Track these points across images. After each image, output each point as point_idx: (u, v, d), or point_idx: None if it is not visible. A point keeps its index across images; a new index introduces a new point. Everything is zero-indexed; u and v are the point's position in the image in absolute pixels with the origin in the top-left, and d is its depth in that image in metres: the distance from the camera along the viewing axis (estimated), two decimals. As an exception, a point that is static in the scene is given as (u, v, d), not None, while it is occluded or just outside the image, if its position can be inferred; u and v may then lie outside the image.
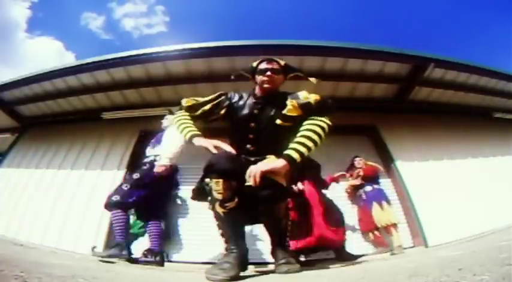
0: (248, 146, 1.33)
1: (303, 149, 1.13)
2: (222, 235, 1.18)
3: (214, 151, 1.17)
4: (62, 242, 2.87)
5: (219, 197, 1.11)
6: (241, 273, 1.08)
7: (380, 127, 3.80)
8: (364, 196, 3.01)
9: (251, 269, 1.27)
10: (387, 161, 3.53)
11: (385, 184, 3.32)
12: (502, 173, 3.45)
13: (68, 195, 3.30)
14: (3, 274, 0.57)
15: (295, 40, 3.08)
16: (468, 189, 3.27)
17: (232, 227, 1.15)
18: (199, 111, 1.38)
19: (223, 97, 1.42)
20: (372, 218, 2.83)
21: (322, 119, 1.21)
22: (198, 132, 1.29)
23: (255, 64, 1.40)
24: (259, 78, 1.36)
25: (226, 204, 1.12)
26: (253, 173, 1.07)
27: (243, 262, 1.11)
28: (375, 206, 2.85)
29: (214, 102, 1.40)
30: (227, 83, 3.45)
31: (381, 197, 2.91)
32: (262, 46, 3.10)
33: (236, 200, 1.14)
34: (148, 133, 3.75)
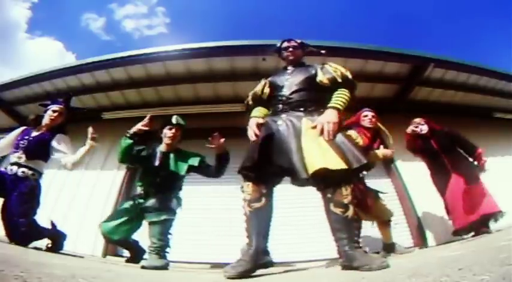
0: (289, 100, 1.46)
1: (343, 104, 1.39)
2: (247, 232, 1.26)
3: (253, 138, 1.39)
4: (62, 242, 2.87)
5: (248, 197, 1.26)
6: (243, 274, 1.09)
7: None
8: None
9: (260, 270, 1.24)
10: (387, 161, 3.52)
11: (385, 184, 3.32)
12: (502, 173, 3.44)
13: (68, 195, 3.31)
14: (3, 274, 0.57)
15: (295, 40, 3.08)
16: (468, 189, 3.26)
17: (255, 226, 1.24)
18: (265, 96, 1.61)
19: (267, 81, 1.65)
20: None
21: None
22: (256, 116, 1.54)
23: (278, 45, 1.76)
24: (284, 54, 1.71)
25: (253, 204, 1.24)
26: (326, 127, 1.23)
27: (259, 260, 1.18)
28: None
29: (265, 90, 1.63)
30: (227, 83, 3.45)
31: None
32: (262, 46, 3.10)
33: (263, 201, 1.25)
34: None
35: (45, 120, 2.08)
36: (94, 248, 2.91)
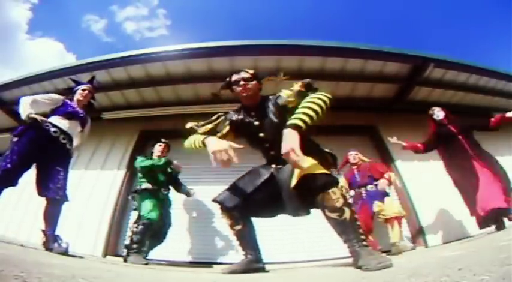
0: (271, 153, 1.42)
1: (306, 117, 1.13)
2: (239, 246, 1.45)
3: (213, 163, 1.21)
4: (62, 242, 2.86)
5: (227, 222, 1.42)
6: (245, 274, 1.25)
7: (380, 127, 3.80)
8: (364, 195, 2.77)
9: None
10: (387, 161, 3.53)
11: (385, 184, 3.31)
12: (502, 173, 3.44)
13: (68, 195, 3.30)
14: (3, 274, 0.57)
15: (295, 40, 3.08)
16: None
17: (242, 242, 1.42)
18: (202, 129, 1.49)
19: (222, 117, 1.54)
20: (370, 219, 2.63)
21: (319, 94, 1.24)
22: (208, 136, 1.37)
23: (228, 79, 1.54)
24: (236, 89, 1.48)
25: (234, 228, 1.41)
26: (289, 153, 1.07)
27: (251, 266, 1.34)
28: (376, 203, 2.65)
29: (216, 122, 1.52)
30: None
31: (382, 194, 2.70)
32: (262, 46, 3.10)
33: (241, 225, 1.40)
34: (149, 133, 3.77)
35: (77, 97, 2.15)
36: (94, 248, 2.91)
